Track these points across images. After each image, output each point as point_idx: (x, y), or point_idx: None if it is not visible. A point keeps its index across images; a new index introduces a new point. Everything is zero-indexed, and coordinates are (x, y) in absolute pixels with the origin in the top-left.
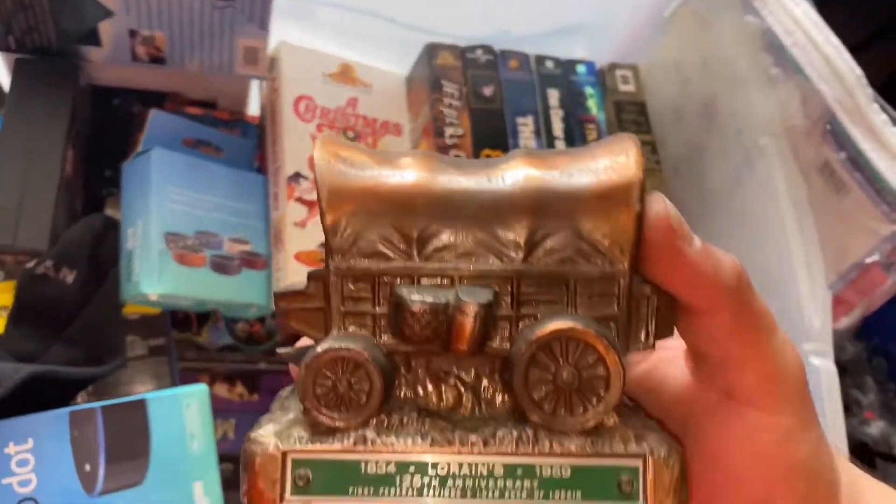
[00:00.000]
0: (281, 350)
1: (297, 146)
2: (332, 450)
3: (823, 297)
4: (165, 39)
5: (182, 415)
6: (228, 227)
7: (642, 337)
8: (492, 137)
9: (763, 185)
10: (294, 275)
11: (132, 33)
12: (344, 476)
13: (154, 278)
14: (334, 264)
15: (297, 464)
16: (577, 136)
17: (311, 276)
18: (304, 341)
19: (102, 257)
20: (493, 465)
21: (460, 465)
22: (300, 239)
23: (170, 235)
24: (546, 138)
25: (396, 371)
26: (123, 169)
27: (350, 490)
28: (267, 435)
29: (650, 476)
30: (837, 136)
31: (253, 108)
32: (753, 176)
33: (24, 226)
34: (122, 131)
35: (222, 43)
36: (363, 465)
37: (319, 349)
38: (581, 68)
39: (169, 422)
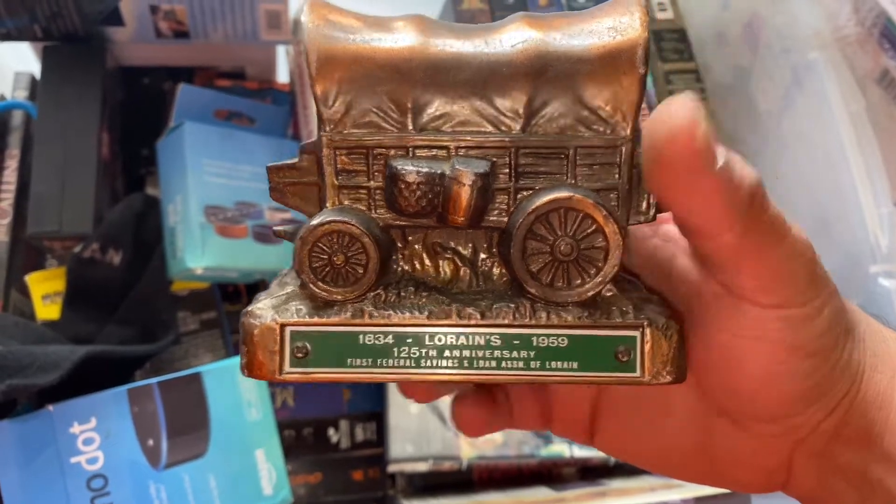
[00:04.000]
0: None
1: None
2: (330, 322)
3: (890, 215)
4: (186, 12)
5: (237, 385)
6: (267, 196)
7: (643, 207)
8: None
9: (816, 102)
10: None
11: (153, 9)
12: (342, 348)
13: (198, 252)
14: (326, 136)
15: (295, 336)
16: None
17: (303, 150)
18: None
19: (146, 236)
20: (491, 336)
21: (457, 336)
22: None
23: (209, 208)
24: None
25: (393, 245)
26: (157, 147)
27: (348, 362)
28: (265, 308)
29: (647, 346)
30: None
31: (282, 76)
32: (805, 94)
33: (68, 211)
34: (155, 110)
35: (244, 10)
36: (361, 336)
37: (314, 222)
38: None
39: (225, 392)
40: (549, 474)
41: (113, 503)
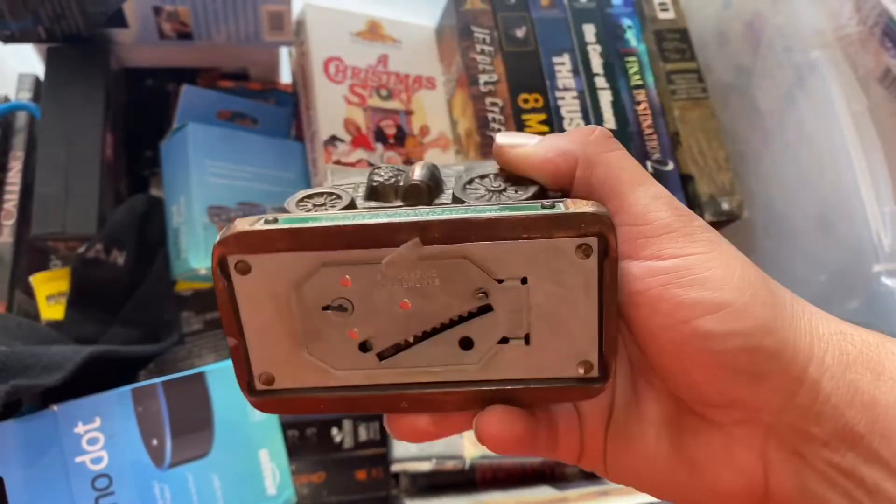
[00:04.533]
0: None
1: (331, 109)
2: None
3: (892, 214)
4: (190, 13)
5: None
6: (271, 197)
7: None
8: (528, 81)
9: (818, 101)
10: None
11: (157, 10)
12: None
13: (201, 253)
14: None
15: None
16: (618, 71)
17: None
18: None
19: (149, 237)
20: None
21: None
22: None
23: (213, 209)
24: (585, 76)
25: None
26: (161, 148)
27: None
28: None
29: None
30: None
31: (285, 76)
32: (807, 93)
33: (72, 212)
34: (159, 111)
35: (246, 11)
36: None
37: None
38: None
39: (229, 392)
40: (553, 473)
41: (117, 503)
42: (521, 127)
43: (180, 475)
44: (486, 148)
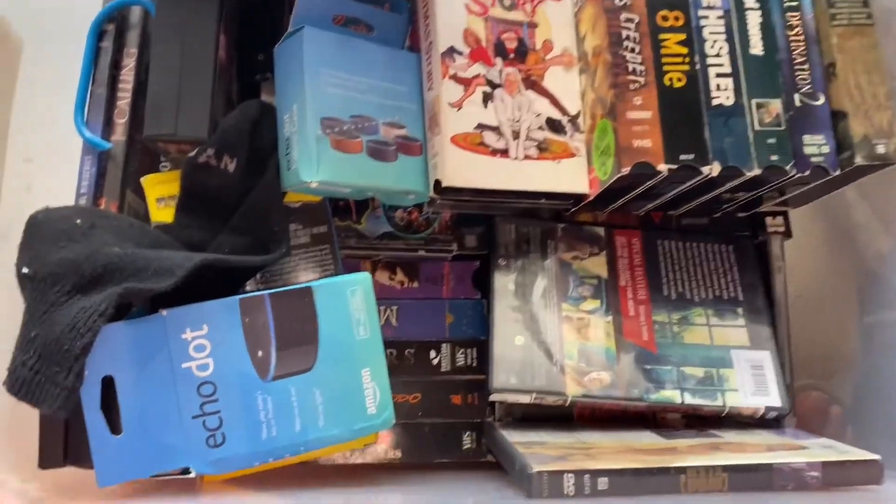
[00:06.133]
0: None
1: (451, 18)
2: None
3: None
4: None
5: (347, 302)
6: (383, 111)
7: None
8: None
9: None
10: (452, 160)
11: None
12: None
13: (313, 166)
14: None
15: None
16: None
17: None
18: None
19: (261, 144)
20: None
21: None
22: (456, 120)
23: (326, 120)
24: None
25: None
26: (275, 51)
27: None
28: None
29: None
30: None
31: None
32: None
33: (184, 115)
34: (273, 13)
35: None
36: None
37: None
38: None
39: (335, 309)
40: (653, 417)
41: (221, 410)
42: (657, 48)
43: (283, 388)
44: (618, 68)
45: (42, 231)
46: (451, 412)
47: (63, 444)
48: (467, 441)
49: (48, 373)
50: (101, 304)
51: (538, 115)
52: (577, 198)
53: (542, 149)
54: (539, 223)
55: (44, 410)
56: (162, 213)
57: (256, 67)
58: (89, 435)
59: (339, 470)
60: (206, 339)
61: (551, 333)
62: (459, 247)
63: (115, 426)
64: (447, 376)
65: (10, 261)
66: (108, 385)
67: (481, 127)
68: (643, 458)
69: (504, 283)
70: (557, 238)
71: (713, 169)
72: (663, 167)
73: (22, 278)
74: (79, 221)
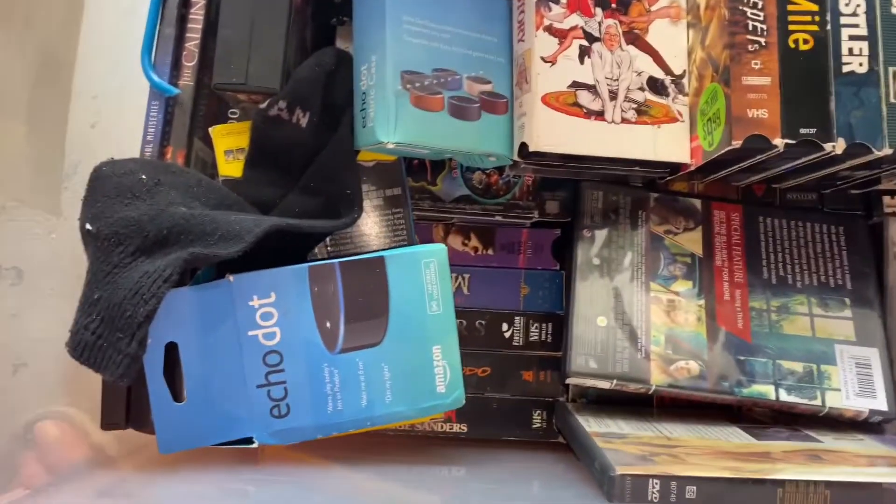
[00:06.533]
0: None
1: None
2: None
3: None
4: None
5: (421, 274)
6: (468, 64)
7: None
8: None
9: None
10: (541, 121)
11: None
12: None
13: (391, 125)
14: None
15: None
16: None
17: None
18: None
19: (335, 97)
20: None
21: None
22: (548, 77)
23: (406, 74)
24: None
25: None
26: None
27: None
28: None
29: None
30: None
31: None
32: None
33: (256, 63)
34: None
35: None
36: None
37: None
38: None
39: (408, 282)
40: (739, 408)
41: (286, 381)
42: (783, 3)
43: (351, 361)
44: (736, 26)
45: (106, 186)
46: (522, 389)
47: (125, 407)
48: (537, 420)
49: (111, 338)
50: (166, 270)
51: (639, 73)
52: (675, 167)
53: (641, 112)
54: (630, 191)
55: (106, 377)
56: (230, 167)
57: (332, 9)
58: (152, 402)
59: (402, 440)
60: (273, 307)
61: (637, 315)
62: (540, 213)
63: (177, 394)
64: (519, 351)
65: (77, 197)
66: (171, 351)
67: (576, 85)
68: (735, 466)
69: (587, 255)
70: (649, 209)
71: (837, 146)
72: (780, 142)
73: (85, 234)
74: (144, 177)
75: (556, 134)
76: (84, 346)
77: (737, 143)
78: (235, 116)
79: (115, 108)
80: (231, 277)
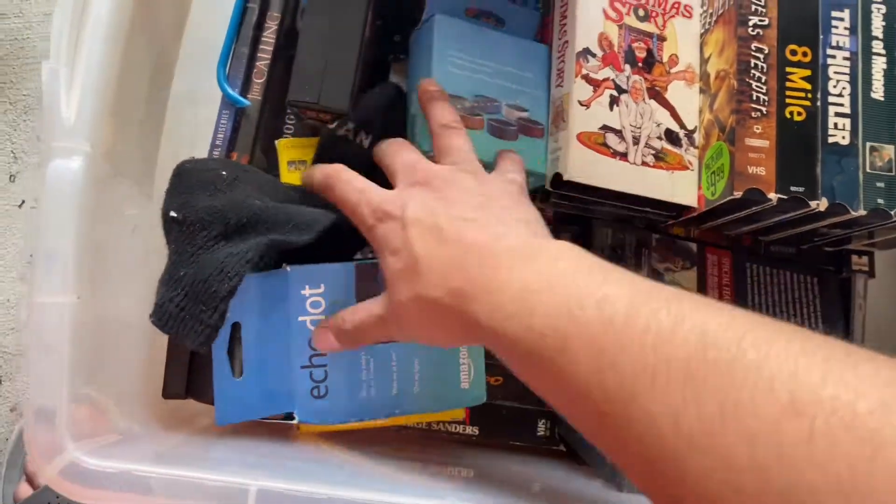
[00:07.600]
0: None
1: (589, 21)
2: None
3: None
4: None
5: None
6: (508, 94)
7: None
8: (800, 31)
9: None
10: (576, 156)
11: None
12: None
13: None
14: None
15: None
16: None
17: None
18: None
19: (392, 126)
20: None
21: None
22: (583, 119)
23: (449, 97)
24: (862, 37)
25: None
26: (411, 39)
27: None
28: None
29: None
30: None
31: None
32: None
33: (328, 85)
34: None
35: None
36: None
37: None
38: None
39: None
40: None
41: (327, 364)
42: (783, 80)
43: (385, 352)
44: (743, 95)
45: (191, 179)
46: (529, 399)
47: (186, 379)
48: (541, 428)
49: (194, 311)
50: (249, 252)
51: (658, 124)
52: (682, 210)
53: (659, 158)
54: (635, 230)
55: (188, 345)
56: (292, 176)
57: (391, 46)
58: (214, 375)
59: (421, 437)
60: (321, 296)
61: None
62: None
63: (236, 369)
64: None
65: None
66: (234, 330)
67: (605, 128)
68: None
69: None
70: (651, 247)
71: (821, 204)
72: (774, 196)
73: (169, 221)
74: (224, 173)
75: (586, 168)
76: (168, 317)
77: (738, 194)
78: (290, 132)
79: (189, 113)
80: (288, 268)
